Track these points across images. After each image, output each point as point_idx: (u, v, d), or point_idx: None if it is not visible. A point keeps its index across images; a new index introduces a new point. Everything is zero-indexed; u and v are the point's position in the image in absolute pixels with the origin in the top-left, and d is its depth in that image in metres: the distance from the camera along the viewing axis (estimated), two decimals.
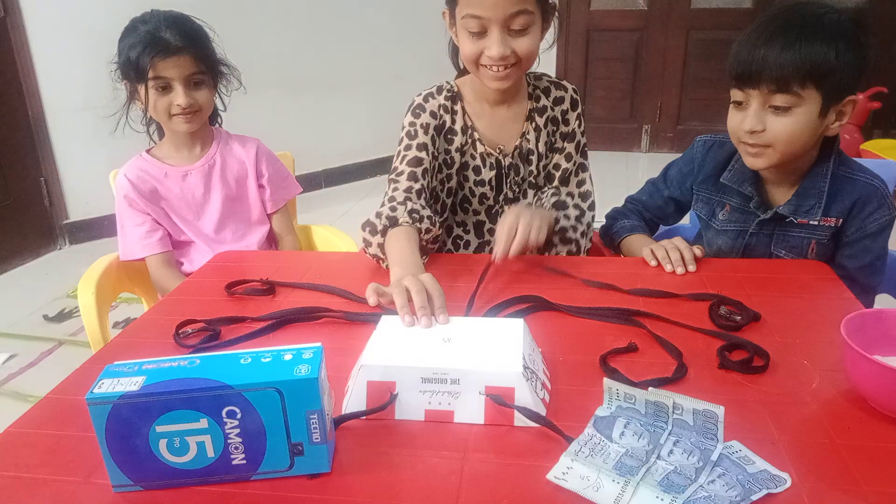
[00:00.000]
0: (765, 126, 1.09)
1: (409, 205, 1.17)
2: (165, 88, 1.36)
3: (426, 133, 1.26)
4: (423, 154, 1.24)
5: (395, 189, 1.22)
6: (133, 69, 1.34)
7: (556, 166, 1.31)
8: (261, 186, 1.54)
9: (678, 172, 1.35)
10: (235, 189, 1.51)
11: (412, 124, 1.26)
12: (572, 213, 1.26)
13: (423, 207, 1.18)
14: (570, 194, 1.30)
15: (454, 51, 1.34)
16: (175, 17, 1.38)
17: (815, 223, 1.16)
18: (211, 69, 1.42)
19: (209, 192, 1.48)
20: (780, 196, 1.20)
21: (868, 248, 1.16)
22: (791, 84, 1.05)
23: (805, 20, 1.06)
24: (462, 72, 1.35)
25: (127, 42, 1.35)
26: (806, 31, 1.04)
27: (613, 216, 1.39)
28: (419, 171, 1.23)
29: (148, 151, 1.48)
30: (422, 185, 1.23)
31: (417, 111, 1.27)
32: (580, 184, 1.31)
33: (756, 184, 1.21)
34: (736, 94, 1.12)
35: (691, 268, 1.12)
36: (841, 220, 1.15)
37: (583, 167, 1.32)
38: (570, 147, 1.31)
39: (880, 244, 1.17)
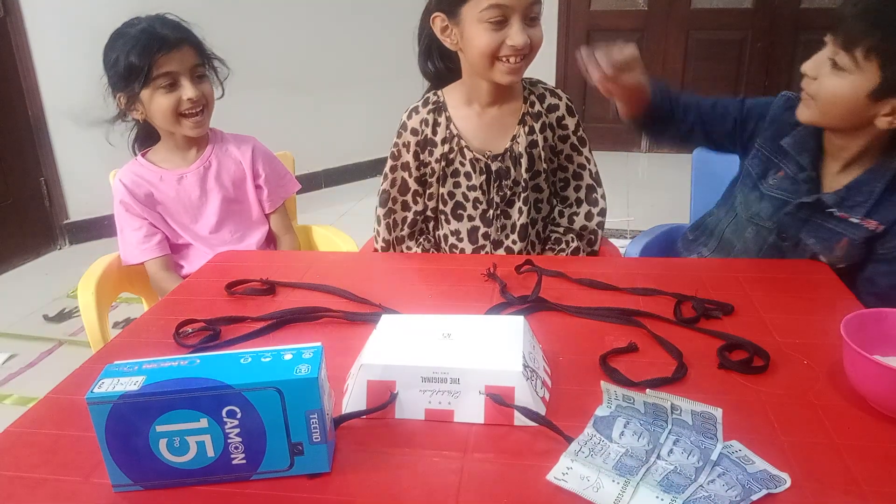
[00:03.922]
0: (818, 75, 1.05)
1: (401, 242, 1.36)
2: (172, 85, 1.35)
3: (408, 151, 1.32)
4: (406, 175, 1.33)
5: (389, 218, 1.35)
6: (135, 72, 1.32)
7: (582, 166, 1.35)
8: (258, 187, 1.53)
9: (754, 107, 1.24)
10: (233, 191, 1.50)
11: (395, 145, 1.33)
12: (603, 204, 1.37)
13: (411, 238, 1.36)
14: (603, 194, 1.38)
15: (425, 59, 1.35)
16: (162, 16, 1.38)
17: (856, 221, 1.09)
18: (209, 61, 1.42)
19: (205, 195, 1.47)
20: (833, 182, 1.13)
21: None
22: (855, 48, 0.99)
23: None
24: (435, 84, 1.36)
25: (120, 48, 1.33)
26: None
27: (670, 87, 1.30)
28: (408, 197, 1.34)
29: (143, 155, 1.47)
30: (414, 210, 1.34)
31: (401, 130, 1.33)
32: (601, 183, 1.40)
33: (815, 158, 1.14)
34: (827, 35, 1.05)
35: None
36: (882, 227, 1.07)
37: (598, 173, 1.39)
38: (584, 150, 1.35)
39: None
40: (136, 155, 1.49)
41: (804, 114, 1.10)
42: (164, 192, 1.44)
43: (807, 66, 1.07)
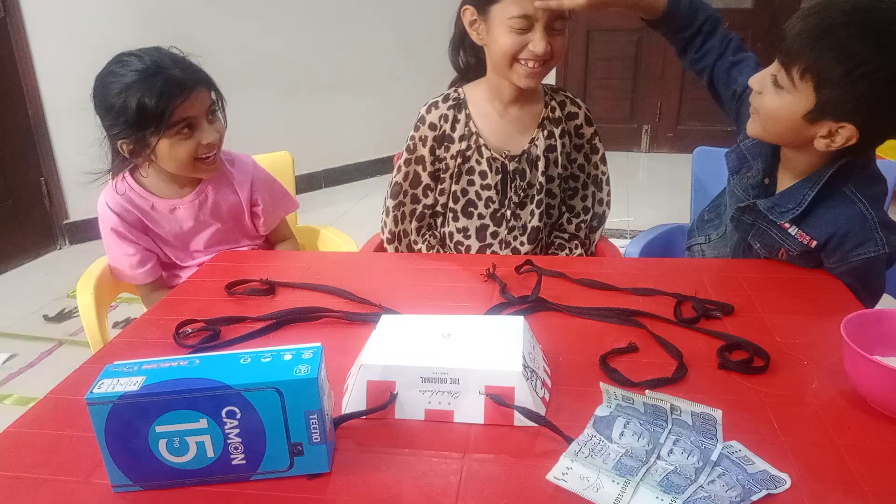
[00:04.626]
0: (762, 90, 1.04)
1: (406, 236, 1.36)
2: (190, 129, 1.25)
3: (424, 146, 1.32)
4: (419, 168, 1.33)
5: (398, 210, 1.34)
6: (150, 119, 1.19)
7: (589, 175, 1.38)
8: (254, 214, 1.46)
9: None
10: (228, 220, 1.42)
11: (412, 138, 1.33)
12: (599, 210, 1.40)
13: (416, 234, 1.36)
14: (599, 200, 1.40)
15: (456, 50, 1.35)
16: (170, 54, 1.26)
17: (793, 233, 1.08)
18: (220, 98, 1.32)
19: (199, 226, 1.38)
20: (784, 187, 1.12)
21: (854, 280, 1.06)
22: (792, 67, 0.98)
23: (862, 17, 0.93)
24: (462, 75, 1.36)
25: (128, 93, 1.19)
26: (847, 28, 0.93)
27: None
28: (419, 190, 1.34)
29: (132, 174, 1.34)
30: (423, 204, 1.34)
31: (418, 124, 1.33)
32: (609, 193, 1.41)
33: (769, 166, 1.14)
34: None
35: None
36: (816, 243, 1.06)
37: (608, 180, 1.40)
38: (595, 158, 1.38)
39: (868, 279, 1.07)
40: (112, 177, 1.35)
41: (750, 127, 1.09)
42: (154, 221, 1.35)
43: (753, 80, 1.06)
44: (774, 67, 1.02)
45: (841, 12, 0.95)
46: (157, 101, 1.19)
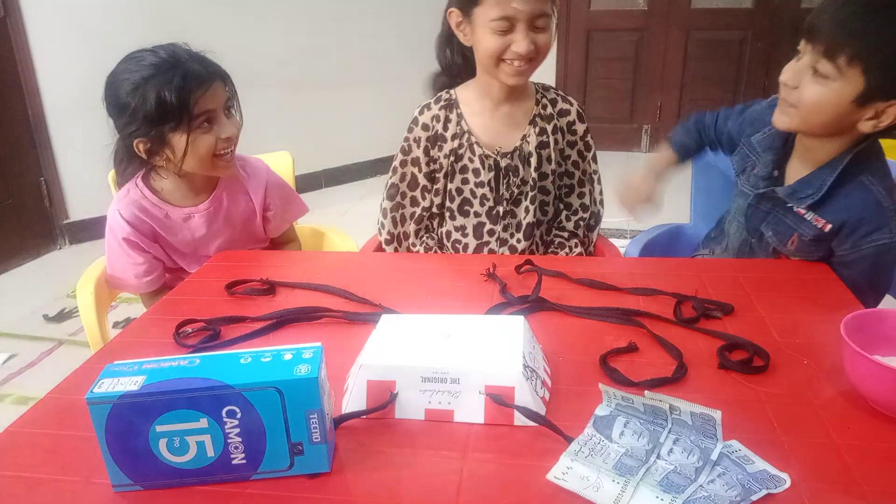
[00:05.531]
0: (798, 84, 1.03)
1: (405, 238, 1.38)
2: (209, 124, 1.22)
3: (418, 147, 1.33)
4: (415, 170, 1.34)
5: (397, 212, 1.37)
6: (171, 115, 1.17)
7: (585, 172, 1.39)
8: (265, 219, 1.44)
9: (750, 115, 1.25)
10: (239, 226, 1.40)
11: (406, 140, 1.35)
12: (595, 209, 1.41)
13: (415, 236, 1.38)
14: (594, 200, 1.41)
15: (442, 47, 1.37)
16: (185, 48, 1.23)
17: (808, 218, 1.09)
18: (234, 94, 1.29)
19: (211, 234, 1.35)
20: (795, 178, 1.13)
21: (864, 270, 1.08)
22: (837, 56, 0.98)
23: None
24: (446, 72, 1.37)
25: (145, 89, 1.16)
26: (889, 11, 0.95)
27: (680, 125, 1.43)
28: (417, 192, 1.35)
29: (145, 182, 1.30)
30: (422, 207, 1.36)
31: (412, 126, 1.34)
32: (601, 192, 1.42)
33: (779, 157, 1.15)
34: (801, 43, 1.04)
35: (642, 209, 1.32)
36: (830, 227, 1.07)
37: (600, 178, 1.42)
38: (589, 156, 1.39)
39: (876, 271, 1.08)
40: (117, 187, 1.33)
41: (782, 121, 1.09)
42: (167, 229, 1.32)
43: (786, 76, 1.06)
44: (811, 59, 1.02)
45: None
46: (177, 94, 1.16)
